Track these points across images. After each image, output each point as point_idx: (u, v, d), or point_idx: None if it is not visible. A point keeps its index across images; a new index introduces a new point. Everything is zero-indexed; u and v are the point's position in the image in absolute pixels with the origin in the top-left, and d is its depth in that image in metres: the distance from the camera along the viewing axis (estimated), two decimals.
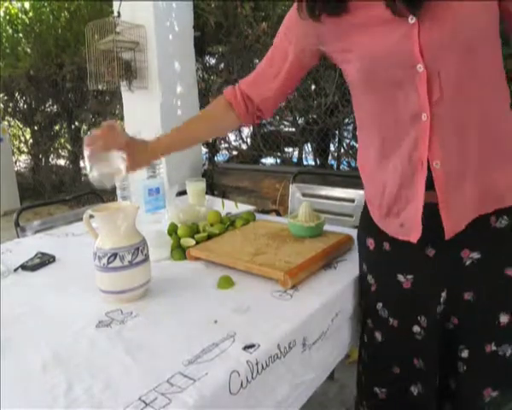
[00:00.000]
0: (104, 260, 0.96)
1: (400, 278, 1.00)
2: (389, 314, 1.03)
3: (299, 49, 1.04)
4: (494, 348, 0.94)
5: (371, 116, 0.97)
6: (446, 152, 0.88)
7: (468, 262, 0.94)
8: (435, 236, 0.92)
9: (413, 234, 0.94)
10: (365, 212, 1.08)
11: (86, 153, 0.98)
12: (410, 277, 0.99)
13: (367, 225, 1.07)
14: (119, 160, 1.02)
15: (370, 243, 1.05)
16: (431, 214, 0.91)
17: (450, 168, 0.89)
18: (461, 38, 0.83)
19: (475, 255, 0.93)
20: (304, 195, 2.25)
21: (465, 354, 0.97)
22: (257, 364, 0.77)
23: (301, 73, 1.11)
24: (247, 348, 0.79)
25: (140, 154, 1.07)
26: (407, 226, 0.95)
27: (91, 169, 0.99)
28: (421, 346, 1.00)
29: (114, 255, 0.96)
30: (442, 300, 0.97)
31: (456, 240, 0.92)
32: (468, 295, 0.95)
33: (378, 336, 1.05)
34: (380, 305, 1.04)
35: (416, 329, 1.00)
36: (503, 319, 0.93)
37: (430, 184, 0.90)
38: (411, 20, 0.84)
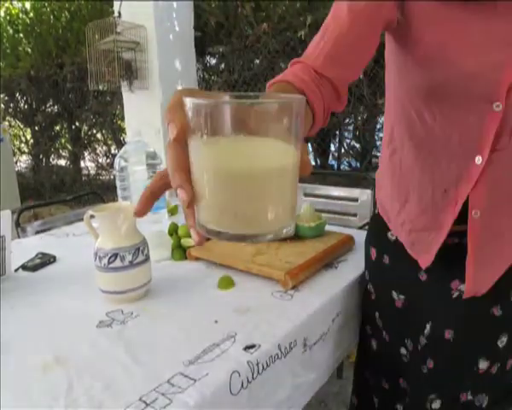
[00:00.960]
0: (105, 261, 0.96)
1: (394, 295, 0.98)
2: (383, 327, 1.02)
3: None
4: (470, 397, 0.85)
5: (420, 123, 0.83)
6: (491, 205, 0.78)
7: (455, 295, 0.86)
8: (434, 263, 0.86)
9: (422, 260, 0.88)
10: (375, 218, 1.04)
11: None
12: (402, 297, 0.96)
13: (373, 232, 1.05)
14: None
15: (373, 252, 1.03)
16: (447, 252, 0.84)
17: (491, 223, 0.79)
18: None
19: (463, 288, 0.84)
20: (305, 195, 2.25)
21: (437, 404, 0.87)
22: (257, 364, 0.76)
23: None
24: (247, 348, 0.79)
25: None
26: (418, 249, 0.89)
27: None
28: (406, 368, 0.98)
29: (115, 255, 0.96)
30: (426, 332, 0.90)
31: (448, 268, 0.86)
32: (449, 333, 0.86)
33: (374, 344, 1.05)
34: (377, 314, 1.03)
35: (403, 351, 0.98)
36: (483, 365, 0.84)
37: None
38: None
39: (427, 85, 0.78)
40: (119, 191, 1.37)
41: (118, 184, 1.34)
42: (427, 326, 0.90)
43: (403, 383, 0.99)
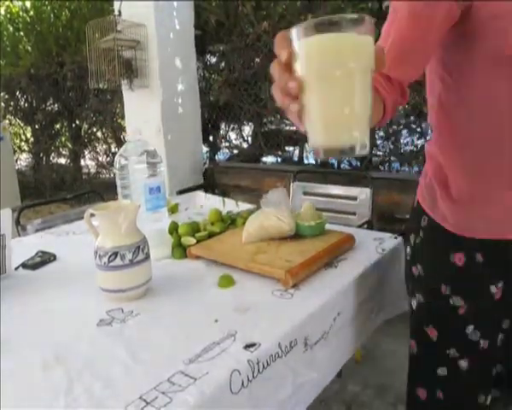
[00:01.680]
0: (105, 259, 0.96)
1: (493, 289, 0.91)
2: (481, 337, 0.93)
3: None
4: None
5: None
6: None
7: None
8: None
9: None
10: (431, 222, 0.97)
11: None
12: (500, 285, 0.91)
13: (445, 237, 0.94)
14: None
15: (459, 258, 0.92)
16: None
17: None
18: None
19: None
20: (305, 193, 2.25)
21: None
22: (258, 363, 0.76)
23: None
24: (247, 347, 0.79)
25: None
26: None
27: None
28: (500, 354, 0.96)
29: (115, 254, 0.96)
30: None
31: None
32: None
33: (464, 364, 0.95)
34: (470, 329, 0.93)
35: (500, 337, 0.94)
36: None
37: None
38: None
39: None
40: (119, 190, 1.37)
41: (118, 182, 1.34)
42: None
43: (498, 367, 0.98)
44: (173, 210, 1.72)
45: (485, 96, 0.82)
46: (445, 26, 0.79)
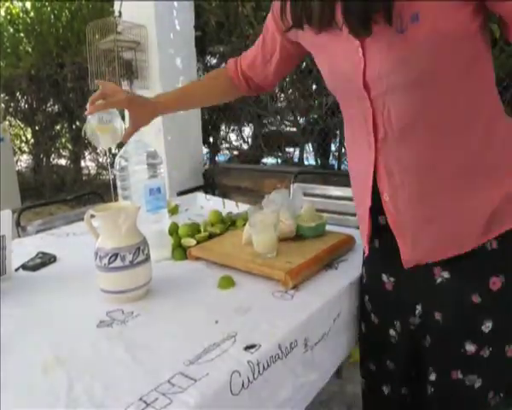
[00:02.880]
0: (105, 260, 0.96)
1: (384, 278, 1.00)
2: (371, 310, 1.04)
3: (285, 39, 1.04)
4: (460, 376, 0.89)
5: (345, 119, 0.98)
6: (393, 188, 0.87)
7: (438, 280, 0.90)
8: None
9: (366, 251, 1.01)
10: None
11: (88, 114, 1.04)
12: (392, 279, 0.99)
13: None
14: (117, 119, 1.08)
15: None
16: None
17: (399, 205, 0.88)
18: (409, 72, 0.78)
19: (445, 275, 0.89)
20: (305, 195, 2.25)
21: (433, 377, 0.93)
22: (258, 364, 0.76)
23: (295, 56, 1.10)
24: (247, 348, 0.79)
25: (141, 110, 1.10)
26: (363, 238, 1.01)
27: (87, 123, 1.06)
28: (394, 349, 1.01)
29: (115, 255, 0.96)
30: (417, 313, 0.94)
31: None
32: (438, 315, 0.91)
33: (363, 327, 1.08)
34: (366, 298, 1.05)
35: (392, 332, 1.00)
36: (470, 348, 0.87)
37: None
38: (358, 49, 0.82)
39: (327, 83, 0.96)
40: (119, 191, 1.37)
41: (118, 183, 1.34)
42: (418, 307, 0.94)
43: (390, 364, 1.02)
44: (173, 211, 1.72)
45: None
46: None
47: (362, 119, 0.88)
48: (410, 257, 0.91)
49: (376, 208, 0.93)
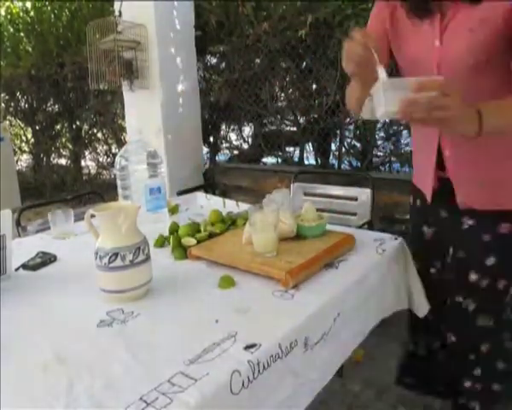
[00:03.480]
0: (105, 260, 0.96)
1: (425, 229, 1.31)
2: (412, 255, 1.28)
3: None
4: (461, 299, 1.19)
5: None
6: (455, 146, 1.10)
7: (465, 227, 1.17)
8: (447, 200, 1.17)
9: (426, 192, 1.25)
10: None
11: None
12: (432, 229, 1.29)
13: (412, 184, 1.38)
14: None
15: (411, 199, 1.39)
16: (445, 186, 1.16)
17: (458, 160, 1.12)
18: (471, 58, 1.00)
19: (470, 222, 1.17)
20: (305, 194, 2.25)
21: (448, 302, 1.25)
22: (258, 364, 0.76)
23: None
24: (248, 347, 0.79)
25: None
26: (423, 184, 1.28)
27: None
28: (436, 284, 1.29)
29: (115, 255, 0.96)
30: (450, 254, 1.22)
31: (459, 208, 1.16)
32: (461, 253, 1.19)
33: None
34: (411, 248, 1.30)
35: (432, 270, 1.31)
36: (473, 276, 1.16)
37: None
38: (434, 30, 1.04)
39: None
40: (119, 190, 1.37)
41: (118, 183, 1.34)
42: (450, 250, 1.23)
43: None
44: (174, 211, 1.72)
45: None
46: None
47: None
48: (463, 199, 1.15)
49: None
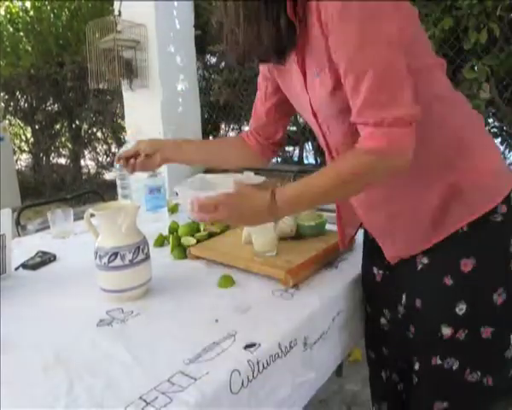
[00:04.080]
0: (105, 259, 0.96)
1: (374, 270, 1.07)
2: (365, 300, 1.12)
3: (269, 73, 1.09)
4: (439, 361, 0.92)
5: None
6: (356, 197, 0.98)
7: (419, 267, 0.93)
8: None
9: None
10: None
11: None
12: (381, 272, 1.05)
13: None
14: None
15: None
16: None
17: (365, 211, 1.00)
18: (331, 107, 0.88)
19: (425, 260, 0.92)
20: None
21: (416, 366, 0.97)
22: (258, 363, 0.77)
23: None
24: (247, 347, 0.79)
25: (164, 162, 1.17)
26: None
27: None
28: (386, 337, 1.07)
29: (115, 254, 0.96)
30: (403, 302, 0.98)
31: None
32: (419, 302, 0.94)
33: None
34: (362, 289, 1.12)
35: (383, 320, 1.07)
36: (446, 331, 0.90)
37: None
38: (303, 85, 0.91)
39: None
40: (119, 190, 1.37)
41: (118, 182, 1.34)
42: (403, 297, 0.98)
43: (385, 350, 1.09)
44: (173, 210, 1.72)
45: None
46: None
47: (319, 137, 0.99)
48: (392, 254, 0.98)
49: None
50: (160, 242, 1.34)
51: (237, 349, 0.79)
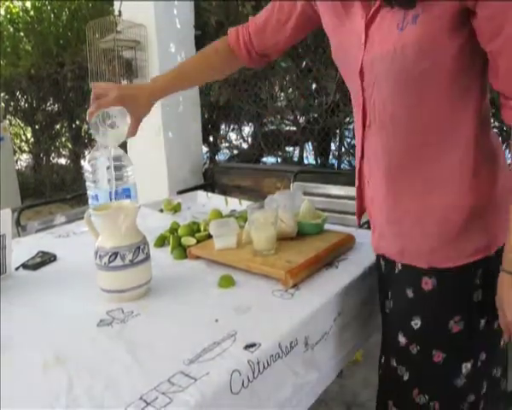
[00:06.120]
0: (105, 259, 0.96)
1: (381, 261, 1.06)
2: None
3: (304, 3, 1.03)
4: (394, 364, 0.96)
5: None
6: (370, 176, 0.96)
7: (396, 270, 0.96)
8: None
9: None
10: None
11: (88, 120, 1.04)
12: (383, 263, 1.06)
13: None
14: (123, 116, 1.04)
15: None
16: None
17: (374, 193, 0.96)
18: (394, 65, 0.81)
19: (399, 266, 0.95)
20: (305, 194, 2.25)
21: (383, 360, 1.02)
22: (258, 363, 0.76)
23: (309, 24, 1.09)
24: (248, 347, 0.79)
25: (136, 103, 1.06)
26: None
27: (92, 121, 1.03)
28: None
29: (115, 254, 0.96)
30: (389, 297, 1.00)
31: None
32: (390, 303, 0.98)
33: None
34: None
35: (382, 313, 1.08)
36: (401, 339, 0.93)
37: None
38: (362, 35, 0.85)
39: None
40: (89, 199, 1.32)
41: (88, 187, 1.29)
42: (389, 293, 1.00)
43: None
44: (176, 209, 1.71)
45: None
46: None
47: (356, 103, 0.93)
48: (375, 245, 1.02)
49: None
50: (161, 242, 1.34)
51: (237, 349, 0.78)
